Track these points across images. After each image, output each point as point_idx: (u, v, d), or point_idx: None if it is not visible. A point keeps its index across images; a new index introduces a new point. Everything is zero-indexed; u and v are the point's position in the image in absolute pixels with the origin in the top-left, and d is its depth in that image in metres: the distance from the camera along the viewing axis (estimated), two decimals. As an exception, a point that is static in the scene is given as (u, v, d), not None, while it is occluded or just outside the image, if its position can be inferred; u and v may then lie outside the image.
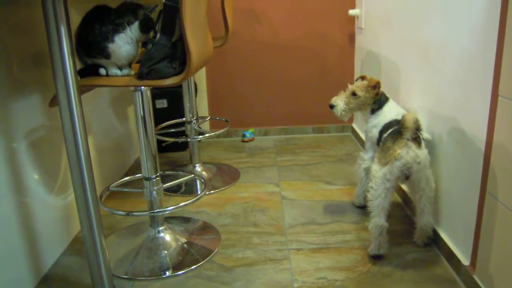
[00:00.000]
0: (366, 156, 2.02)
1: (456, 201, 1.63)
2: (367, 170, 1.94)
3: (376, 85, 1.92)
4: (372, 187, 1.71)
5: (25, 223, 1.58)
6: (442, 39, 1.68)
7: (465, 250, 1.55)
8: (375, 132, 1.92)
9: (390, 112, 1.92)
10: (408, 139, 1.65)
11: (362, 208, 2.09)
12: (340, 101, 1.96)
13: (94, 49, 1.46)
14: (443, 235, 1.72)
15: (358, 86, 1.96)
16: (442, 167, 1.73)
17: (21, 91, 1.58)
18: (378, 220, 1.68)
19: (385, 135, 1.79)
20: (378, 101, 1.95)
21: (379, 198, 1.68)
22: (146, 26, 1.47)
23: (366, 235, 1.87)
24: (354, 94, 1.95)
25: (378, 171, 1.69)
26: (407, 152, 1.65)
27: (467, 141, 1.51)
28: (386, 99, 1.96)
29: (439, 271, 1.62)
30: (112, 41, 1.45)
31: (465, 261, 1.54)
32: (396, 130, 1.71)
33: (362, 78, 2.01)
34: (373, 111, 1.96)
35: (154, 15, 1.50)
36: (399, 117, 1.81)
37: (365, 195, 1.91)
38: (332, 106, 1.98)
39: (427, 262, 1.68)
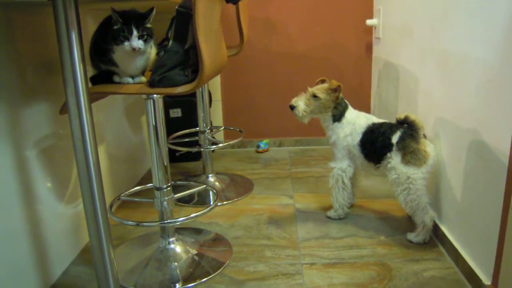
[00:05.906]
0: (344, 166, 2.03)
1: (477, 218, 1.56)
2: (351, 179, 2.07)
3: (337, 88, 1.95)
4: (412, 189, 1.78)
5: (35, 232, 1.56)
6: (464, 51, 1.63)
7: (487, 269, 1.49)
8: (350, 141, 1.97)
9: (358, 118, 1.98)
10: (425, 137, 1.80)
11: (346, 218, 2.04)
12: (301, 102, 1.99)
13: (105, 57, 1.44)
14: (463, 252, 1.65)
15: (319, 88, 1.99)
16: (462, 182, 1.66)
17: (33, 98, 1.57)
18: (432, 213, 1.80)
19: (394, 140, 1.82)
20: (339, 106, 1.98)
21: (424, 196, 1.80)
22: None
23: (382, 251, 1.82)
24: (314, 96, 1.97)
25: (416, 173, 1.78)
26: (432, 149, 1.80)
27: (489, 155, 1.45)
28: (346, 105, 2.00)
29: (459, 290, 1.56)
30: (113, 52, 1.42)
31: (486, 280, 1.48)
32: (407, 133, 1.79)
33: (323, 81, 2.03)
34: (336, 119, 1.99)
35: (152, 23, 1.45)
36: (376, 120, 1.94)
37: (404, 201, 1.83)
38: (292, 107, 2.00)
39: (446, 281, 1.61)
